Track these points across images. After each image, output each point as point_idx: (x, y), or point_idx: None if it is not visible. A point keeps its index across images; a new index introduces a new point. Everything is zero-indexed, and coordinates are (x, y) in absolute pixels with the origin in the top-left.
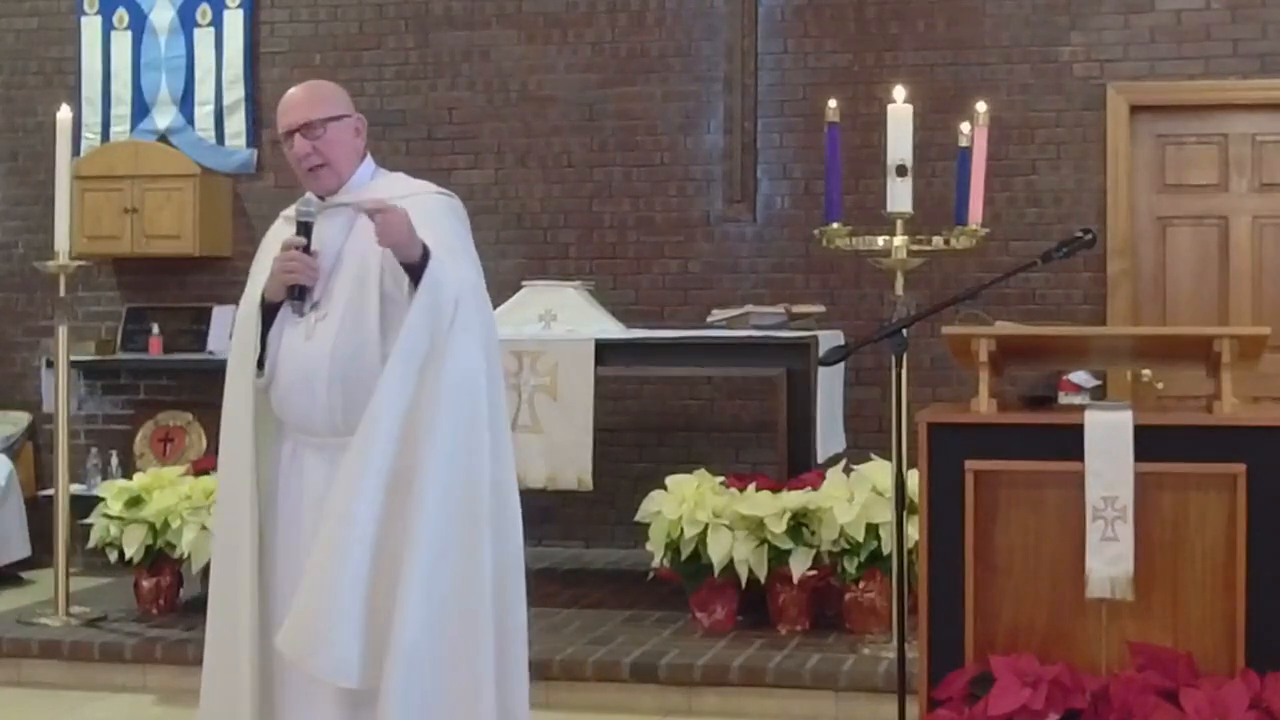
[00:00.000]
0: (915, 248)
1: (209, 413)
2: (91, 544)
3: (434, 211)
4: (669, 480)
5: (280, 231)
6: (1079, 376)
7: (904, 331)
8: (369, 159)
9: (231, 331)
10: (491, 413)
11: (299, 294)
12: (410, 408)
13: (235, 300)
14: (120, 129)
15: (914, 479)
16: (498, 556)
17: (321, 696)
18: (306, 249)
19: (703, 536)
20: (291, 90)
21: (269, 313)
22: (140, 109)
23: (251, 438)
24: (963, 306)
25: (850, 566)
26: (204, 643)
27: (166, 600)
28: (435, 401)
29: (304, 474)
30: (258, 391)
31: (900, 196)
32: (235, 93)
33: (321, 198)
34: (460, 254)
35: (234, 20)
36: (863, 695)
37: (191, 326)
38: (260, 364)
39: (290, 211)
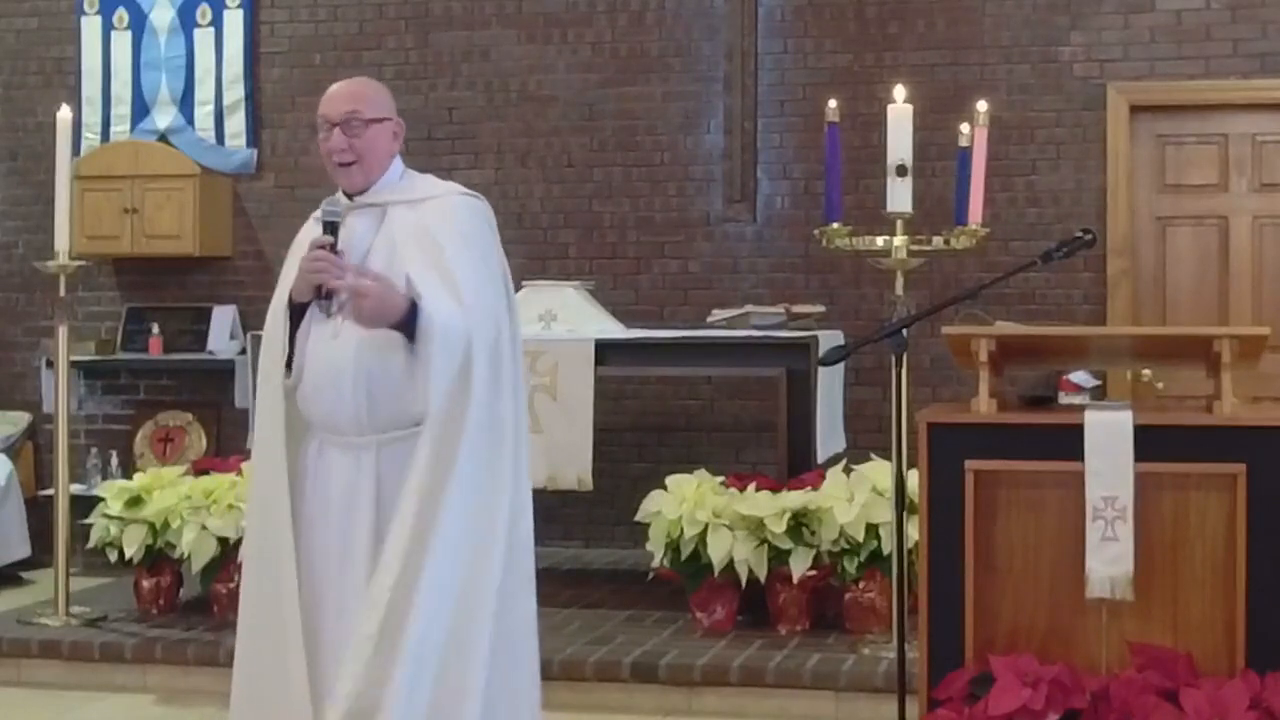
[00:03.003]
0: (915, 248)
1: (209, 413)
2: (91, 544)
3: (457, 216)
4: (669, 480)
5: (311, 231)
6: (1079, 376)
7: (904, 331)
8: (398, 160)
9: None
10: (516, 442)
11: (326, 294)
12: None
13: (235, 300)
14: (120, 129)
15: (914, 479)
16: (508, 564)
17: None
18: (333, 248)
19: (703, 536)
20: (344, 81)
21: (297, 313)
22: (140, 109)
23: (284, 438)
24: (963, 306)
25: (850, 566)
26: (210, 644)
27: (166, 600)
28: (457, 447)
29: (330, 472)
30: (287, 391)
31: (900, 196)
32: (235, 93)
33: (350, 196)
34: (479, 269)
35: (234, 20)
36: (863, 695)
37: (191, 326)
38: (288, 364)
39: (319, 212)
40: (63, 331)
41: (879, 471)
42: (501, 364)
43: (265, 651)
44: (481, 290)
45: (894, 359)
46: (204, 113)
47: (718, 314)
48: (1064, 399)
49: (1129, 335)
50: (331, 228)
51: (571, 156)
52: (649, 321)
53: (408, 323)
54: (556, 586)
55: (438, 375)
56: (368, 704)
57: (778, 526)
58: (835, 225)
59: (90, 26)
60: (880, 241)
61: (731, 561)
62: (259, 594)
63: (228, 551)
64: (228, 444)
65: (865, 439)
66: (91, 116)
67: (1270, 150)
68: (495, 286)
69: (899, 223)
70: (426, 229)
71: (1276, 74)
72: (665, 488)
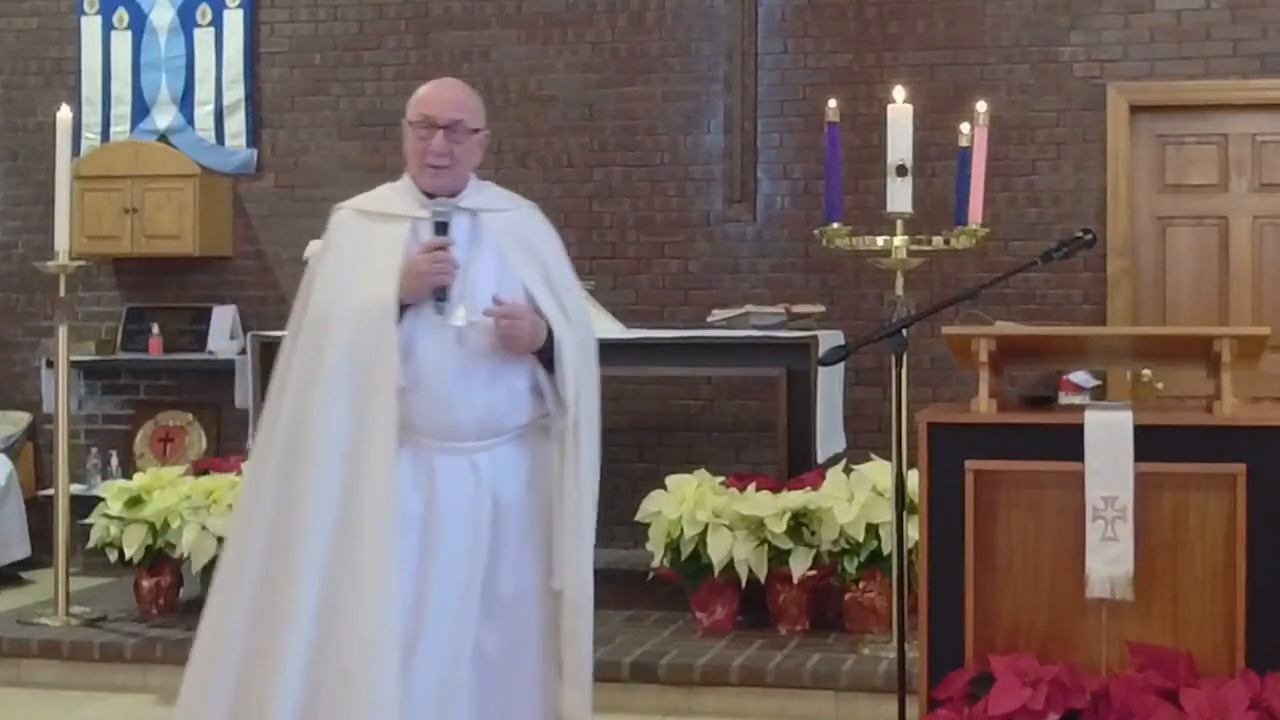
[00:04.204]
0: (915, 248)
1: (209, 413)
2: (91, 544)
3: (549, 232)
4: (669, 480)
5: (354, 227)
6: (1079, 376)
7: (904, 331)
8: None
9: (332, 328)
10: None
11: (442, 296)
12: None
13: (235, 300)
14: (120, 129)
15: (914, 479)
16: None
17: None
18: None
19: (703, 536)
20: (445, 83)
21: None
22: (140, 109)
23: (396, 443)
24: (963, 306)
25: (850, 566)
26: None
27: (166, 600)
28: (582, 448)
29: (436, 477)
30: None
31: (900, 196)
32: (235, 93)
33: (430, 195)
34: (574, 284)
35: (234, 20)
36: (863, 695)
37: (191, 326)
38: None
39: (362, 203)
40: (63, 331)
41: (879, 471)
42: (596, 371)
43: (340, 650)
44: (578, 304)
45: (894, 359)
46: (204, 113)
47: (718, 314)
48: (1064, 399)
49: (1129, 335)
50: (444, 228)
51: (571, 156)
52: (649, 321)
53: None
54: None
55: (570, 386)
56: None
57: (778, 526)
58: (835, 225)
59: (90, 26)
60: (880, 241)
61: (731, 561)
62: (335, 597)
63: None
64: (228, 444)
65: (865, 439)
66: (91, 116)
67: (1270, 150)
68: (581, 294)
69: (899, 223)
70: (528, 243)
71: (1276, 74)
72: (665, 488)
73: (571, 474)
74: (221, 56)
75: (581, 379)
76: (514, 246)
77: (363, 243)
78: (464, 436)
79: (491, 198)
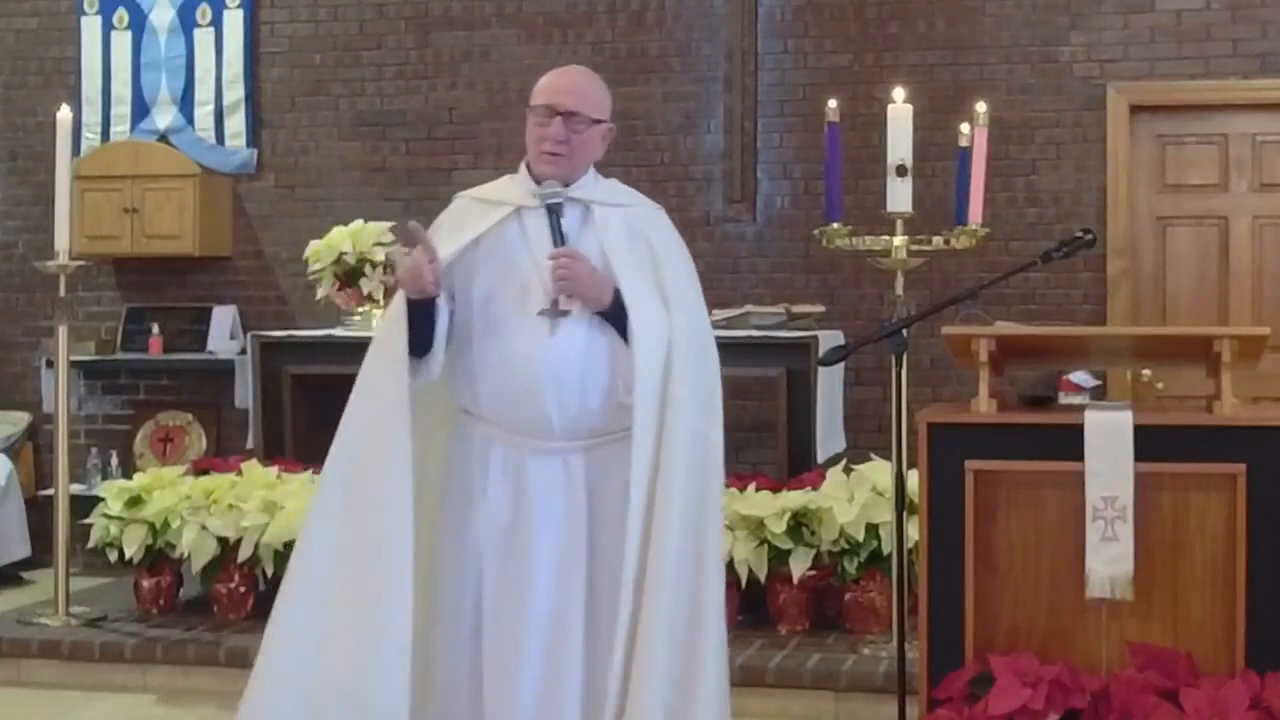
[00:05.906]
0: (915, 248)
1: (209, 413)
2: (91, 544)
3: (670, 232)
4: None
5: (460, 212)
6: (1079, 376)
7: (904, 331)
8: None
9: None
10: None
11: (554, 299)
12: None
13: (235, 300)
14: (120, 129)
15: (914, 479)
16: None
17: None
18: (559, 229)
19: None
20: (570, 70)
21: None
22: (140, 109)
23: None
24: (963, 306)
25: (850, 566)
26: (210, 644)
27: (166, 600)
28: (669, 469)
29: (526, 478)
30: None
31: (900, 196)
32: (235, 93)
33: (537, 181)
34: (693, 289)
35: (234, 20)
36: (863, 695)
37: (191, 326)
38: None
39: (480, 191)
40: (63, 331)
41: (879, 471)
42: (714, 390)
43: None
44: (691, 308)
45: (894, 359)
46: (204, 113)
47: (718, 314)
48: (1064, 399)
49: (1129, 335)
50: (558, 208)
51: None
52: None
53: (615, 311)
54: None
55: (643, 363)
56: None
57: (778, 526)
58: (835, 225)
59: (90, 26)
60: (880, 241)
61: (731, 561)
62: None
63: (228, 551)
64: (228, 444)
65: (865, 439)
66: (91, 116)
67: (1270, 150)
68: (703, 306)
69: (899, 223)
70: (643, 238)
71: (1276, 74)
72: None
73: (639, 466)
74: (221, 56)
75: (674, 373)
76: (621, 241)
77: (458, 228)
78: (554, 435)
79: (609, 191)
